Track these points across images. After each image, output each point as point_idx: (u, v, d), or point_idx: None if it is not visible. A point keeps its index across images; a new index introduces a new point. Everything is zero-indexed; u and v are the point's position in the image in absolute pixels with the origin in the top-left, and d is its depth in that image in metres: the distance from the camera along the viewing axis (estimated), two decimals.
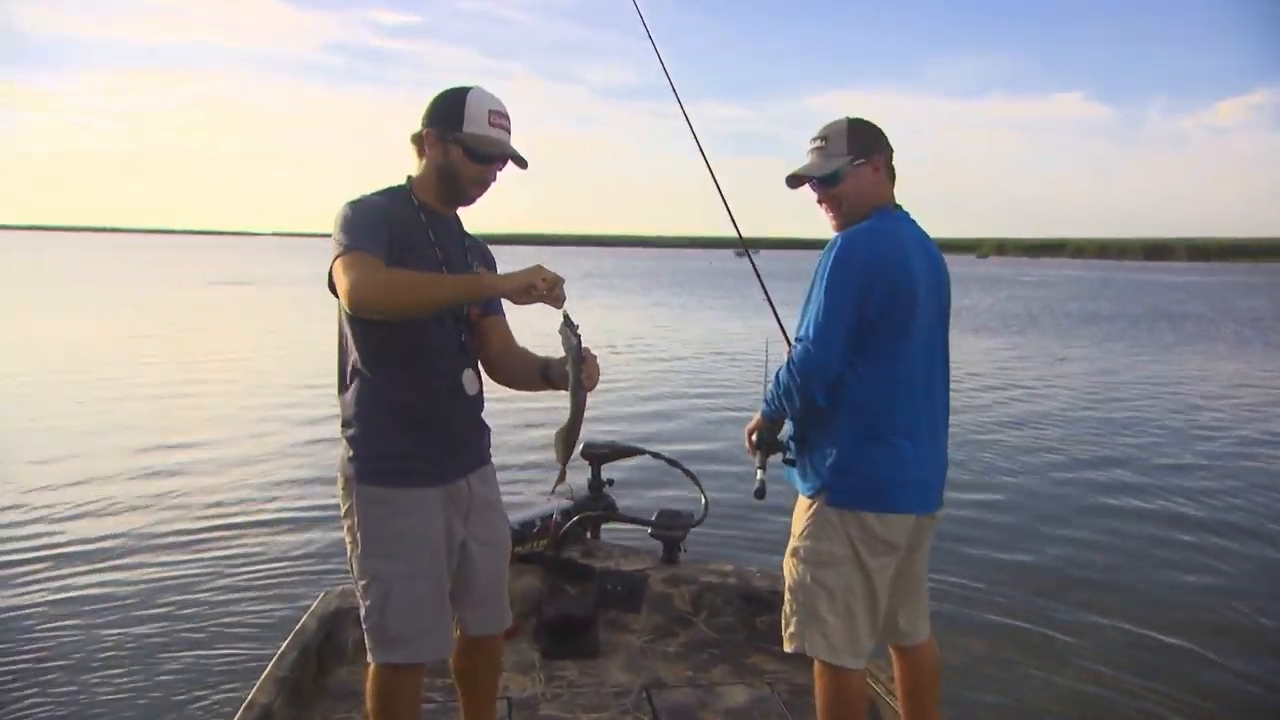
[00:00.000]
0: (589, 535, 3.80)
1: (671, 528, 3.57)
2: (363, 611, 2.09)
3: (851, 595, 2.25)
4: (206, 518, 5.90)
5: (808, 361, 2.16)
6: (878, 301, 2.14)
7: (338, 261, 1.89)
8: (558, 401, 2.12)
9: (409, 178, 2.13)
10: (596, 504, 3.71)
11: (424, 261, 2.01)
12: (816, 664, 2.29)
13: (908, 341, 2.19)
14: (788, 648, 2.32)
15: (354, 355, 2.05)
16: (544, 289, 1.88)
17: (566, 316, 1.95)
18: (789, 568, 2.33)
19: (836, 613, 2.24)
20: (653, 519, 3.60)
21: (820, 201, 2.31)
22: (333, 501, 2.18)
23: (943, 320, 2.31)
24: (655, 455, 3.79)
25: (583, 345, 1.98)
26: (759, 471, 2.40)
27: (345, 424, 2.09)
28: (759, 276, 2.88)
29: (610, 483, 3.79)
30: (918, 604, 2.43)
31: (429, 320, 2.02)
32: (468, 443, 2.16)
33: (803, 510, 2.31)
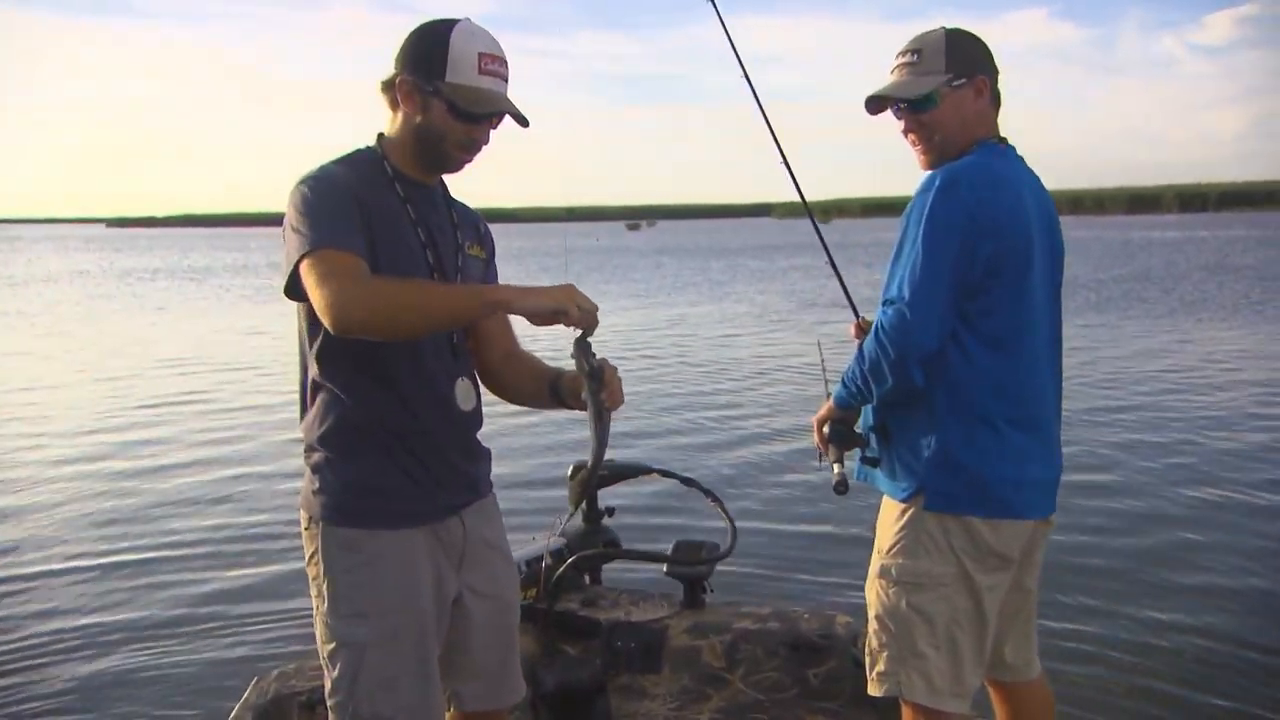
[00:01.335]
0: (588, 580, 3.66)
1: (693, 563, 3.39)
2: (328, 685, 1.98)
3: (957, 624, 2.18)
4: (115, 562, 5.71)
5: (904, 329, 2.07)
6: (986, 259, 2.07)
7: (305, 264, 1.80)
8: (572, 418, 2.02)
9: (379, 137, 2.01)
10: (595, 540, 3.57)
11: (405, 248, 1.93)
12: (908, 710, 2.22)
13: (1022, 308, 2.13)
14: (875, 691, 2.25)
15: (315, 365, 1.96)
16: (577, 318, 1.79)
17: (578, 340, 1.87)
18: (876, 591, 2.25)
19: (938, 645, 2.17)
20: (668, 553, 3.43)
21: (907, 131, 2.23)
22: (283, 545, 2.10)
23: (1057, 283, 2.26)
24: (665, 474, 3.65)
25: (598, 362, 1.89)
26: (836, 466, 2.31)
27: (308, 450, 2.00)
28: (824, 243, 2.84)
29: (610, 512, 3.64)
30: (1027, 630, 2.38)
31: None
32: (461, 471, 2.07)
33: (892, 519, 2.22)
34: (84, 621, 4.88)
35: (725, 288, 26.25)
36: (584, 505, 3.62)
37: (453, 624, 2.07)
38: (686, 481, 3.61)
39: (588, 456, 1.94)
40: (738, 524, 3.45)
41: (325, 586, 1.95)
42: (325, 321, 1.78)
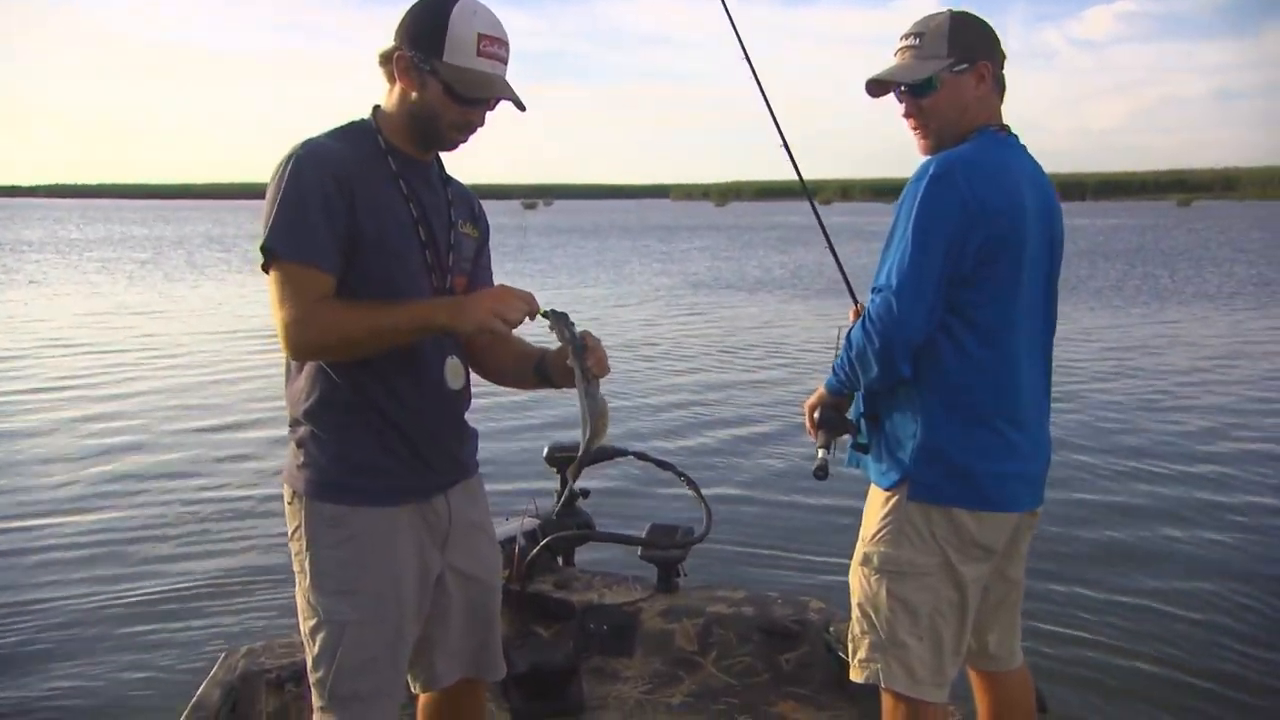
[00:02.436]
0: (561, 562, 3.67)
1: (667, 546, 3.41)
2: (308, 661, 1.99)
3: (939, 614, 2.17)
4: (82, 544, 5.60)
5: (890, 318, 2.06)
6: (978, 249, 2.05)
7: (272, 273, 1.82)
8: (547, 397, 1.67)
9: (375, 110, 1.99)
10: (568, 521, 3.57)
11: (396, 223, 1.92)
12: (888, 699, 2.22)
13: (1014, 299, 2.12)
14: (856, 677, 2.25)
15: None
16: (504, 331, 1.82)
17: (550, 311, 1.89)
18: (859, 579, 2.25)
19: (920, 635, 2.17)
20: (643, 536, 3.44)
21: (907, 115, 2.21)
22: (261, 520, 2.10)
23: (1053, 275, 2.25)
24: (641, 457, 3.63)
25: (580, 332, 1.90)
26: (820, 451, 2.32)
27: (293, 423, 2.00)
28: (823, 226, 2.81)
29: (585, 494, 3.63)
30: (1011, 621, 2.38)
31: (403, 293, 1.91)
32: (449, 450, 2.06)
33: (877, 507, 2.22)
34: (41, 596, 4.82)
35: (640, 266, 26.51)
36: (558, 487, 3.62)
37: (434, 603, 2.07)
38: (662, 465, 3.61)
39: (577, 434, 1.93)
40: (713, 508, 3.45)
41: (308, 562, 1.94)
42: (280, 344, 1.82)
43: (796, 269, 25.48)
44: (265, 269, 1.83)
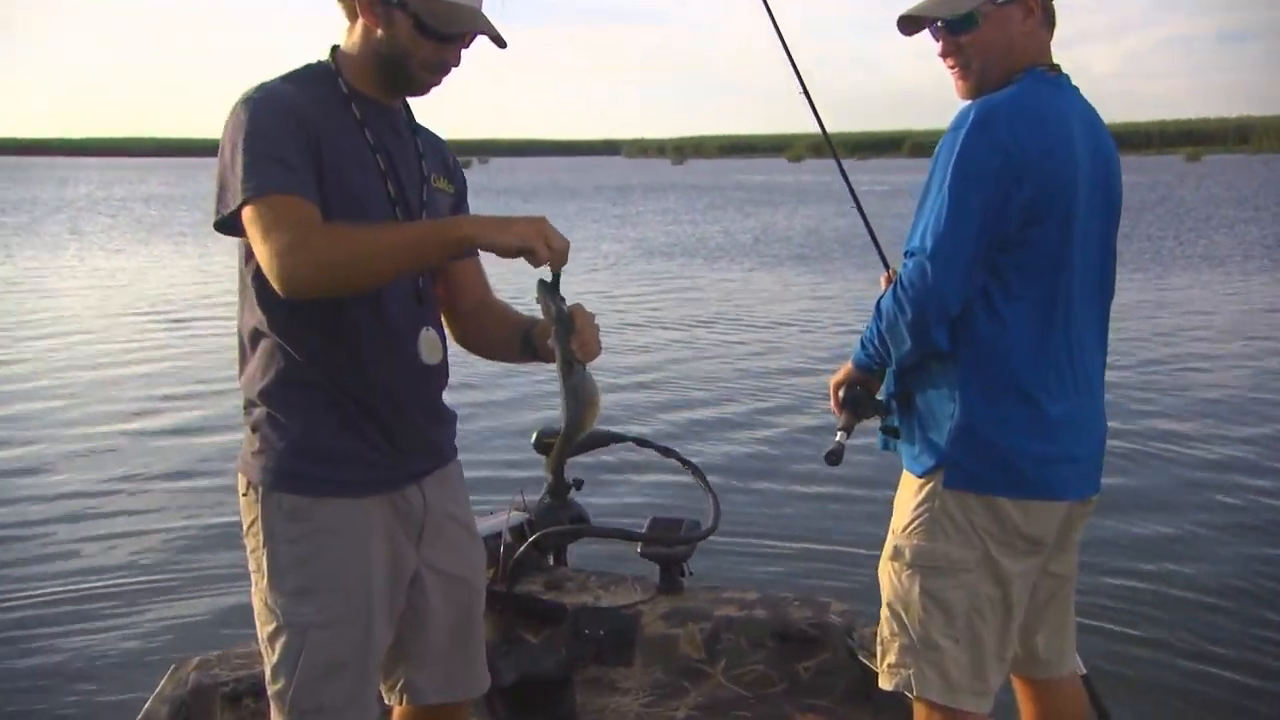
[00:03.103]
0: (552, 560, 3.71)
1: (670, 542, 3.43)
2: (267, 670, 2.00)
3: (978, 613, 2.19)
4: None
5: (924, 285, 2.08)
6: (1023, 206, 2.06)
7: (249, 211, 1.80)
8: (539, 373, 1.80)
9: (333, 50, 1.99)
10: (560, 515, 3.61)
11: (360, 176, 1.92)
12: (921, 708, 2.24)
13: (1064, 263, 2.13)
14: (885, 684, 2.27)
15: (258, 310, 1.95)
16: (545, 257, 1.78)
17: (542, 280, 1.87)
18: (888, 575, 2.27)
19: (956, 637, 2.19)
20: (643, 531, 3.47)
21: (944, 55, 2.22)
22: (216, 521, 2.15)
23: (1109, 236, 2.25)
24: (641, 443, 3.66)
25: (569, 307, 1.88)
26: (840, 434, 2.32)
27: (248, 406, 2.00)
28: (850, 186, 2.81)
29: (578, 484, 3.68)
30: (1063, 622, 2.39)
31: None
32: (423, 434, 2.07)
33: (910, 495, 2.24)
34: None
35: (589, 232, 26.28)
36: (549, 477, 3.62)
37: (409, 606, 2.08)
38: (664, 451, 3.63)
39: (560, 417, 1.93)
40: (721, 499, 3.47)
41: (266, 560, 1.95)
42: (272, 282, 1.78)
43: (763, 233, 25.66)
44: (229, 221, 1.82)
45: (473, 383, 7.93)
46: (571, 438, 1.93)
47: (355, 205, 1.88)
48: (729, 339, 11.37)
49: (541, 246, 1.76)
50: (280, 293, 1.78)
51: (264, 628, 1.98)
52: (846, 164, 2.95)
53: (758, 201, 41.19)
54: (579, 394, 1.88)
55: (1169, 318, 12.22)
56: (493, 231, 1.77)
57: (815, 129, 2.81)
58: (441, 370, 2.08)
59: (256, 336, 1.96)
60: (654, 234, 26.04)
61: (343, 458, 1.95)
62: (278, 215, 1.77)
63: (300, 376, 1.93)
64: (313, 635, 1.94)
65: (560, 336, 1.85)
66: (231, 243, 1.95)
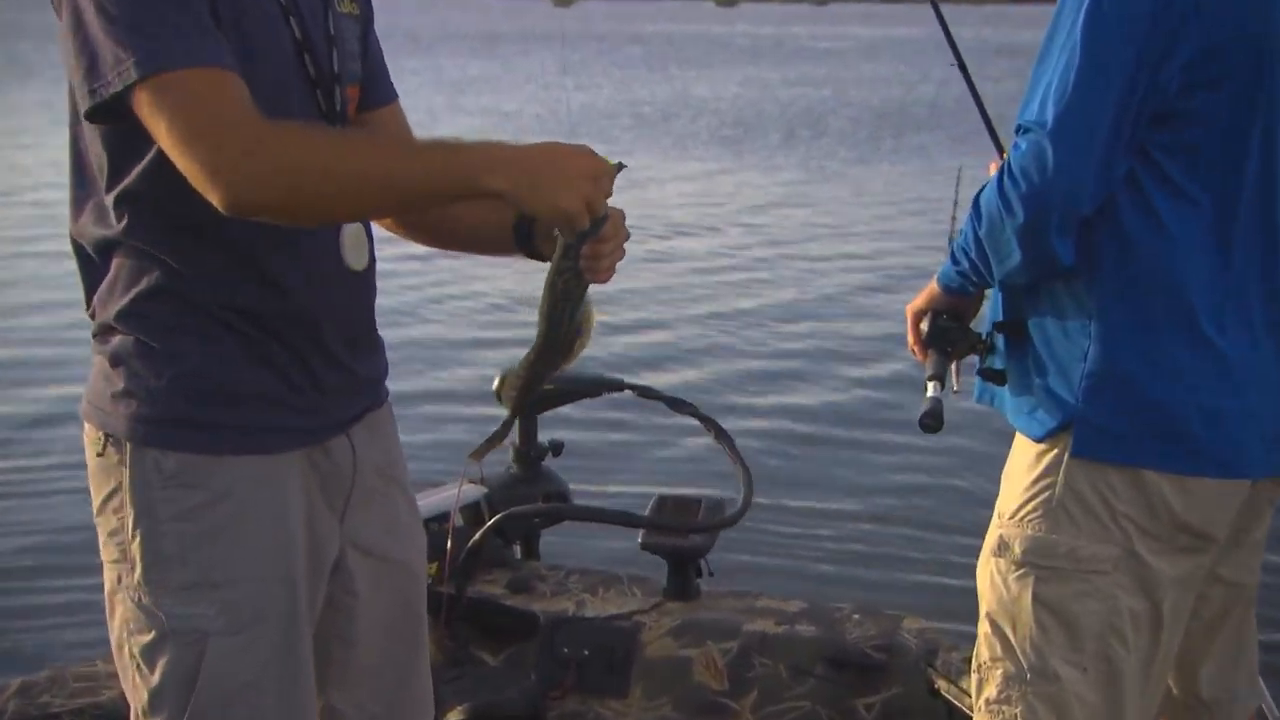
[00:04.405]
0: (519, 551, 3.79)
1: (683, 529, 3.47)
2: (138, 699, 2.02)
3: (1115, 633, 2.21)
4: None
5: (1043, 173, 2.09)
6: (1187, 65, 2.07)
7: (150, 93, 1.81)
8: (509, 291, 1.80)
9: None
10: (531, 490, 3.70)
11: (261, 17, 1.97)
12: None
13: (1243, 149, 2.14)
14: None
15: (117, 211, 1.97)
16: (597, 211, 1.90)
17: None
18: (990, 577, 2.31)
19: (1084, 665, 2.21)
20: (645, 514, 3.50)
21: None
22: (46, 492, 2.14)
23: None
24: (644, 392, 3.74)
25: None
26: (931, 384, 2.37)
27: (103, 332, 2.02)
28: (949, 37, 2.85)
29: (557, 449, 3.78)
30: (1240, 650, 2.40)
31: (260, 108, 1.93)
32: (350, 366, 2.12)
33: (1024, 467, 2.27)
34: None
35: (432, 100, 26.50)
36: (515, 436, 3.67)
37: (329, 603, 2.12)
38: (675, 404, 3.67)
39: (538, 327, 1.94)
40: (754, 470, 3.51)
41: (139, 544, 1.96)
42: (211, 196, 1.81)
43: (694, 101, 26.22)
44: (112, 107, 1.83)
45: (398, 298, 7.92)
46: (549, 361, 1.97)
47: (259, 57, 1.92)
48: (744, 255, 11.55)
49: (584, 218, 1.86)
50: (222, 208, 1.81)
51: (135, 638, 1.99)
52: (900, 8, 2.95)
53: (687, 61, 41.99)
54: (568, 307, 1.93)
55: None
56: (520, 188, 1.84)
57: None
58: (369, 278, 2.12)
59: (111, 246, 1.98)
60: (536, 109, 26.19)
61: (246, 398, 1.98)
62: (205, 97, 1.80)
63: (181, 288, 1.95)
64: (215, 646, 1.96)
65: (579, 233, 1.91)
66: None
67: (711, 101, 27.35)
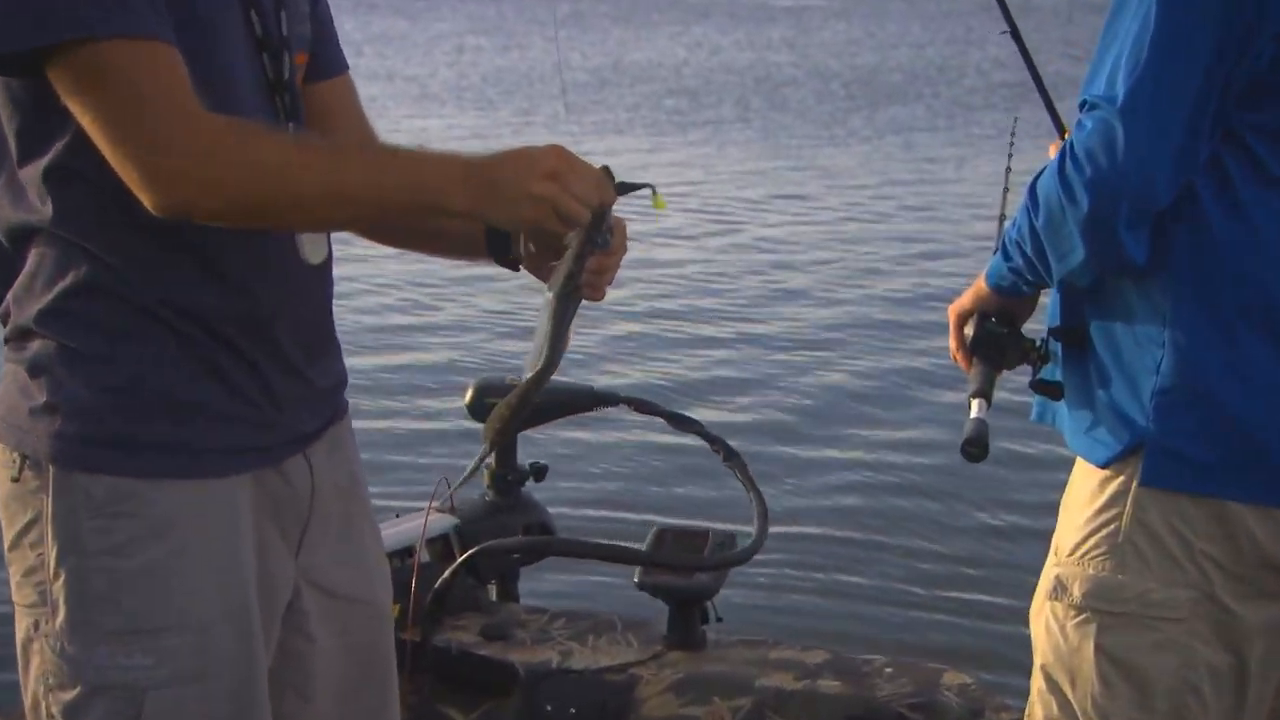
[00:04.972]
0: (494, 593, 3.84)
1: (687, 566, 3.49)
2: None
3: (1192, 691, 2.20)
4: None
5: (1112, 156, 2.08)
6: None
7: (72, 57, 1.82)
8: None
9: None
10: (509, 521, 3.74)
11: None
12: None
13: None
14: None
15: (40, 196, 1.96)
16: (577, 219, 1.97)
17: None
18: (1047, 624, 2.31)
19: None
20: (642, 549, 3.53)
21: None
22: None
23: None
24: (644, 407, 3.80)
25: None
26: (975, 403, 2.37)
27: (18, 336, 2.02)
28: None
29: (539, 473, 3.81)
30: None
31: (226, 95, 1.98)
32: (306, 375, 2.14)
33: (1084, 496, 2.28)
34: None
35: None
36: (491, 457, 3.68)
37: (282, 648, 2.13)
38: (678, 421, 3.71)
39: (531, 362, 2.00)
40: (770, 498, 3.52)
41: (64, 583, 1.95)
42: (144, 197, 1.82)
43: (631, 67, 26.31)
44: (22, 61, 1.83)
45: (352, 299, 7.96)
46: (541, 381, 2.00)
47: (199, 20, 1.93)
48: (751, 243, 11.68)
49: (556, 222, 1.92)
50: (155, 212, 1.83)
51: (56, 695, 1.98)
52: None
53: (625, 18, 41.77)
54: (563, 331, 2.00)
55: None
56: (481, 201, 1.92)
57: None
58: (327, 272, 2.16)
59: (29, 230, 1.96)
60: (451, 71, 26.39)
61: (194, 413, 1.98)
62: (139, 83, 1.81)
63: (116, 285, 1.95)
64: (154, 703, 1.95)
65: (589, 239, 1.97)
66: None
67: (651, 68, 27.51)
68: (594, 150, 16.97)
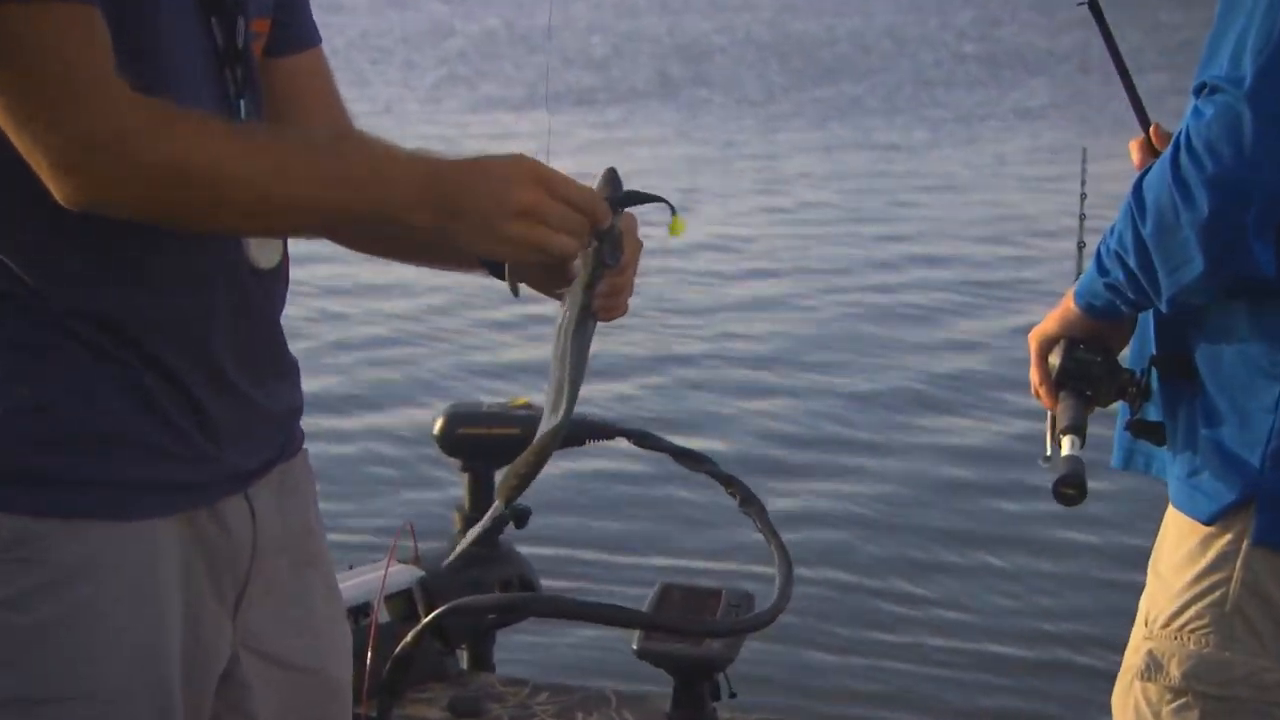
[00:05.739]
0: (464, 660, 3.96)
1: (695, 632, 3.54)
2: None
3: None
4: None
5: (1237, 148, 2.10)
6: None
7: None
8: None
9: None
10: (484, 573, 3.86)
11: None
12: None
13: None
14: None
15: None
16: (562, 254, 1.98)
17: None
18: (1135, 705, 2.34)
19: None
20: (642, 610, 3.59)
21: None
22: None
23: None
24: (644, 441, 3.93)
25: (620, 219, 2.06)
26: (1067, 440, 2.38)
27: None
28: None
29: (521, 518, 3.86)
30: None
31: (170, 66, 2.02)
32: (250, 399, 2.16)
33: (1184, 556, 2.30)
34: None
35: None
36: (464, 498, 3.81)
37: None
38: (687, 459, 3.77)
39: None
40: (794, 550, 3.54)
41: None
42: (54, 186, 1.84)
43: (532, 35, 26.73)
44: None
45: (302, 309, 8.08)
46: (561, 434, 2.00)
47: (146, 7, 1.95)
48: (773, 251, 11.69)
49: (530, 253, 1.93)
50: (65, 204, 1.84)
51: None
52: None
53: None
54: (580, 372, 2.01)
55: None
56: (466, 238, 1.93)
57: None
58: (279, 280, 2.18)
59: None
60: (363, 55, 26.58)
61: (113, 443, 1.98)
62: (54, 52, 1.83)
63: (21, 292, 1.96)
64: None
65: (597, 261, 1.99)
66: None
67: (559, 37, 27.70)
68: (479, 129, 17.10)
